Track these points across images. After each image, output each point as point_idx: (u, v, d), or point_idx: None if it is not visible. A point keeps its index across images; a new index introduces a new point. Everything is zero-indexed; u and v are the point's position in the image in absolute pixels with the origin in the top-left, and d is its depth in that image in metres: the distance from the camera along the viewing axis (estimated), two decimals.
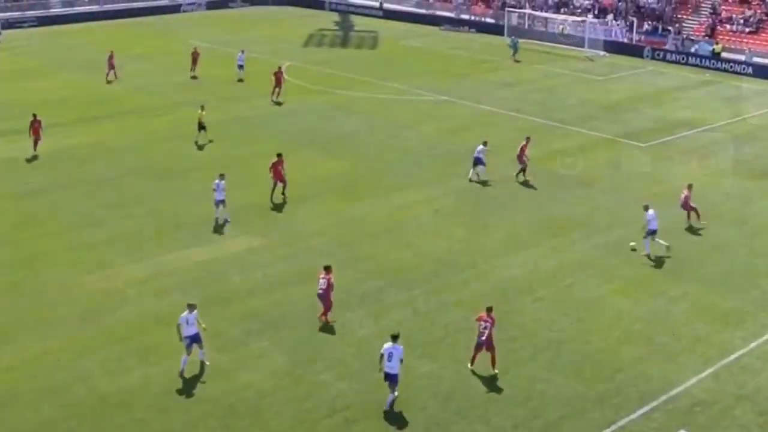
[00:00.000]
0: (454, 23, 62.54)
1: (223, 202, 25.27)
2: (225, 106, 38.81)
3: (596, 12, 57.26)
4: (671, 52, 51.11)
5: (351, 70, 45.81)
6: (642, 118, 37.79)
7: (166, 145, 33.17)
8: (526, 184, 29.00)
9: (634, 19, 54.33)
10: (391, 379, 16.75)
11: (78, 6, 66.16)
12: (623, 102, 40.75)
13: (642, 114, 38.55)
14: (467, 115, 38.02)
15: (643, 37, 53.64)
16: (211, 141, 33.19)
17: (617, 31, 54.68)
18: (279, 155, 27.04)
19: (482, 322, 17.90)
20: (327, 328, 19.87)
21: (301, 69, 47.80)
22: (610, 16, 56.10)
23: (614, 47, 52.86)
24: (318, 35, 60.38)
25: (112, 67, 43.62)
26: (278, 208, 26.74)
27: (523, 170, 28.94)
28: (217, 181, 25.31)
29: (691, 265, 23.22)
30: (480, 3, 63.76)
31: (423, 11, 67.49)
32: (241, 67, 43.88)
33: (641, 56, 51.64)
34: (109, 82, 43.32)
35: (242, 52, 45.16)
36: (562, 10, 58.82)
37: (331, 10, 72.12)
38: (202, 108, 33.84)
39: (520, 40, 52.63)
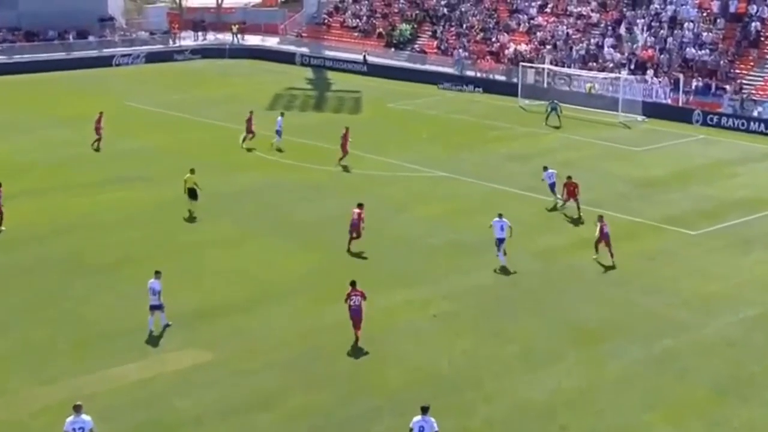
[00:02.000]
0: (455, 81, 64.14)
1: (159, 307, 25.27)
2: (173, 180, 39.43)
3: (633, 67, 58.88)
4: (728, 116, 52.27)
5: (328, 139, 46.65)
6: (690, 199, 38.33)
7: (95, 230, 33.50)
8: (546, 280, 29.33)
9: (681, 76, 55.64)
10: None
11: None
12: (666, 179, 41.42)
13: (690, 194, 39.12)
14: (472, 195, 38.50)
15: (691, 98, 54.97)
16: (194, 218, 34.64)
17: (659, 90, 56.14)
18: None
19: None
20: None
21: (266, 138, 48.66)
22: (650, 72, 57.64)
23: (655, 110, 54.14)
24: (286, 96, 61.55)
25: (98, 131, 45.28)
26: (234, 310, 26.90)
27: None
28: (152, 280, 25.33)
29: (762, 384, 23.37)
30: (487, 57, 65.63)
31: (417, 66, 69.28)
32: (278, 133, 45.44)
33: (689, 121, 52.84)
34: (96, 149, 44.93)
35: (282, 115, 47.30)
36: (589, 64, 60.58)
37: (303, 64, 73.92)
38: (192, 171, 35.24)
39: (538, 103, 54.04)
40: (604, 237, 30.50)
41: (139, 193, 38.37)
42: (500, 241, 30.13)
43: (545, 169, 37.36)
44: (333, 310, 26.64)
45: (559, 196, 36.35)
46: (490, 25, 69.03)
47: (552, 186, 36.71)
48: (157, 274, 25.46)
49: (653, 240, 33.39)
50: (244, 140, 45.44)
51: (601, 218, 31.03)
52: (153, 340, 24.98)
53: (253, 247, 32.02)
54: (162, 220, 34.79)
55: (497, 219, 30.34)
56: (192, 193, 34.96)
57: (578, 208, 35.39)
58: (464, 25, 70.60)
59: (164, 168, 41.77)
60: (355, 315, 24.92)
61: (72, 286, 28.54)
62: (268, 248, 31.88)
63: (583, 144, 48.00)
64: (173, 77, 68.39)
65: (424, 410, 19.12)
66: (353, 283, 25.16)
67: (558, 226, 34.53)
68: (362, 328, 24.88)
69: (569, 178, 35.54)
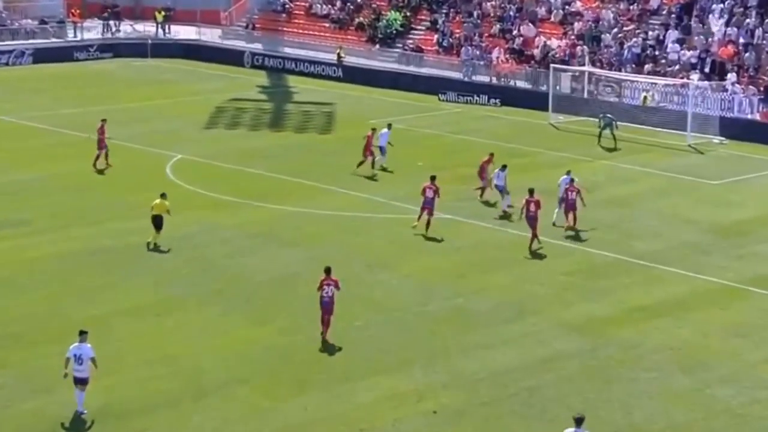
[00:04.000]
0: (462, 90, 64.31)
1: (86, 381, 25.69)
2: (69, 225, 39.04)
3: (707, 69, 59.15)
4: None
5: (288, 169, 46.47)
6: None
7: None
8: (590, 364, 29.04)
9: None
10: None
11: None
12: (754, 223, 41.48)
13: None
14: (482, 245, 38.50)
15: None
16: (162, 251, 36.71)
17: (743, 101, 56.39)
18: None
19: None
20: None
21: (200, 167, 48.35)
22: (730, 77, 57.83)
23: (738, 129, 54.40)
24: (231, 110, 61.68)
25: (103, 145, 47.41)
26: (153, 409, 26.51)
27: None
28: (76, 344, 25.89)
29: None
30: (507, 57, 65.83)
31: (411, 69, 69.54)
32: (382, 150, 47.84)
33: None
34: (99, 170, 46.97)
35: (389, 127, 49.44)
36: (646, 66, 60.79)
37: (255, 66, 74.18)
38: (163, 196, 37.87)
39: (569, 118, 54.25)
40: (569, 205, 37.69)
41: (15, 243, 38.06)
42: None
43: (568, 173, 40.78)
44: (291, 407, 26.51)
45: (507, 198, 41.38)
46: (511, 13, 69.48)
47: (563, 200, 40.12)
48: (83, 335, 26.12)
49: (738, 309, 33.25)
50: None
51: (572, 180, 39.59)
52: None
53: (180, 320, 31.80)
54: (50, 285, 34.36)
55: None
56: (157, 222, 37.59)
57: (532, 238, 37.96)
58: (475, 13, 71.03)
59: (52, 209, 41.65)
60: (326, 307, 30.09)
61: None
62: (201, 321, 31.64)
63: (638, 175, 48.02)
64: (72, 83, 68.55)
65: (578, 422, 22.50)
66: (328, 270, 30.20)
67: (602, 288, 34.39)
68: (331, 323, 29.81)
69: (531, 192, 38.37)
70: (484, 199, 43.27)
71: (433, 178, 39.34)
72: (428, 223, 39.11)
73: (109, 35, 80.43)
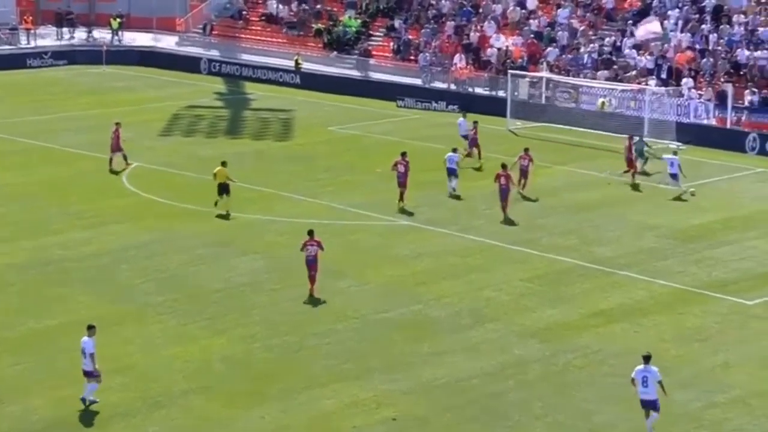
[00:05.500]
0: (420, 96, 64.36)
1: (91, 375, 26.33)
2: (23, 241, 38.92)
3: (663, 75, 59.53)
4: None
5: (245, 176, 46.26)
6: (744, 256, 38.49)
7: None
8: (549, 370, 29.11)
9: (729, 87, 56.07)
10: (650, 405, 25.41)
11: None
12: (712, 228, 41.60)
13: (745, 249, 39.30)
14: (443, 253, 38.43)
15: (744, 117, 55.54)
16: (228, 215, 41.06)
17: (699, 106, 56.67)
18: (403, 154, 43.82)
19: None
20: None
21: (157, 175, 48.07)
22: (686, 82, 58.10)
23: (695, 134, 54.55)
24: (188, 117, 61.41)
25: (118, 147, 48.12)
26: (106, 423, 26.30)
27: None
28: (84, 338, 26.42)
29: None
30: (462, 59, 65.82)
31: (370, 75, 69.52)
32: (466, 138, 50.99)
33: (741, 149, 53.40)
34: (115, 172, 47.80)
35: (464, 116, 52.93)
36: (600, 72, 60.98)
37: (211, 73, 73.87)
38: (224, 164, 42.06)
39: (527, 124, 54.28)
40: (522, 172, 43.79)
41: None
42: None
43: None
44: (249, 417, 26.40)
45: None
46: (467, 11, 69.36)
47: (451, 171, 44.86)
48: (91, 329, 26.77)
49: (696, 314, 33.38)
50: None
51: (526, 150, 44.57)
52: None
53: (136, 329, 31.60)
54: (3, 296, 34.07)
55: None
56: (223, 188, 41.42)
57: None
58: (430, 14, 71.00)
59: (5, 219, 41.47)
60: (310, 264, 33.43)
61: None
62: (158, 331, 31.45)
63: (597, 182, 48.13)
64: (25, 91, 68.09)
65: (647, 359, 25.28)
66: (311, 232, 33.71)
67: (561, 294, 34.47)
68: (317, 280, 33.27)
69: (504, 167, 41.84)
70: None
71: (403, 154, 43.53)
72: (401, 195, 42.88)
73: (64, 42, 79.76)
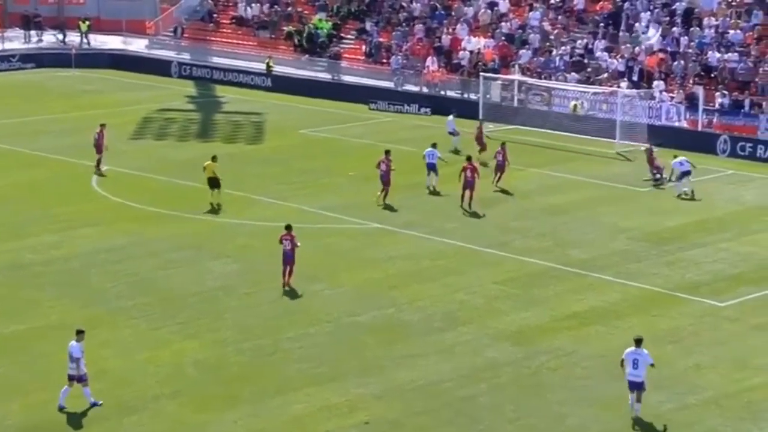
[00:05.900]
0: (392, 99, 64.35)
1: (77, 378, 26.29)
2: None
3: (635, 78, 59.64)
4: (765, 143, 52.98)
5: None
6: (716, 258, 38.67)
7: None
8: (522, 373, 29.12)
9: (700, 89, 56.30)
10: (638, 387, 26.07)
11: None
12: (685, 230, 41.75)
13: (716, 251, 39.46)
14: (416, 256, 38.46)
15: (715, 119, 55.69)
16: (219, 207, 42.44)
17: (670, 108, 56.90)
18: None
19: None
20: None
21: (129, 178, 47.87)
22: (657, 85, 58.35)
23: (666, 137, 54.40)
24: (159, 120, 61.19)
25: (101, 149, 48.41)
26: (79, 427, 26.18)
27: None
28: (72, 342, 26.56)
29: None
30: (437, 66, 65.87)
31: (341, 78, 69.41)
32: (453, 134, 53.61)
33: (712, 151, 53.52)
34: (101, 173, 48.05)
35: (452, 116, 54.73)
36: (571, 75, 61.13)
37: (182, 76, 73.64)
38: (214, 159, 43.07)
39: (500, 127, 54.34)
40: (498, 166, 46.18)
41: None
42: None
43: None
44: (221, 421, 26.36)
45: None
46: (439, 14, 69.35)
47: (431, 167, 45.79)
48: (79, 334, 26.80)
49: (669, 316, 33.50)
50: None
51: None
52: None
53: (108, 334, 31.48)
54: None
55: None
56: (213, 182, 42.55)
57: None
58: (401, 16, 71.00)
59: None
60: (287, 259, 34.28)
61: None
62: (129, 336, 31.38)
63: (569, 183, 48.29)
64: None
65: (638, 342, 26.14)
66: (288, 227, 34.65)
67: (535, 296, 34.55)
68: (294, 273, 34.29)
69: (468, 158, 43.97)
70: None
71: (387, 153, 44.80)
72: (385, 194, 43.87)
73: (32, 45, 79.29)
